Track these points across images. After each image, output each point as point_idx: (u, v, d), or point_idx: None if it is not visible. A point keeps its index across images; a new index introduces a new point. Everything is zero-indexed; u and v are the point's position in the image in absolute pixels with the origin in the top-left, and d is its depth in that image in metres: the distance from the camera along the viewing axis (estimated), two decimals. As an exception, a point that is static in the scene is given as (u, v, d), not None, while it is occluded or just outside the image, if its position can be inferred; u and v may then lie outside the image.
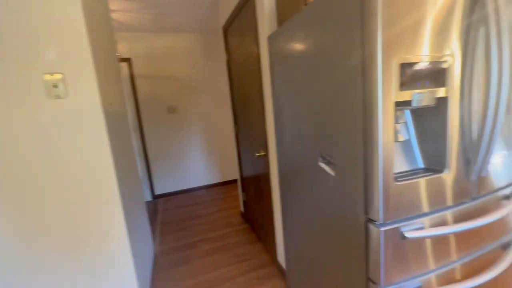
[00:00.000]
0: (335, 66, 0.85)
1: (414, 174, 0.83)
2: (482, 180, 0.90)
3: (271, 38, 1.32)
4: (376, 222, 0.77)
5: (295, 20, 1.06)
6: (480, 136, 0.80)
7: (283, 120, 1.32)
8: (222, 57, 3.64)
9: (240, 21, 1.84)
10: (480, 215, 0.92)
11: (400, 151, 0.87)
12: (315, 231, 1.15)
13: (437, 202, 0.82)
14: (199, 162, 3.80)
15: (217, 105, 3.81)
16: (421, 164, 0.87)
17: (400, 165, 0.87)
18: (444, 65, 0.76)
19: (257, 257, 2.01)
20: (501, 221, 1.00)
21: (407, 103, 0.75)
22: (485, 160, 0.84)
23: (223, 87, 3.80)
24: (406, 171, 0.85)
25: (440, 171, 0.82)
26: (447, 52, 0.76)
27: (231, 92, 2.41)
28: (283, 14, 1.39)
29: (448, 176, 0.82)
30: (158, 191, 3.66)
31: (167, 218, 2.95)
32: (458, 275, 0.93)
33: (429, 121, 0.85)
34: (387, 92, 0.71)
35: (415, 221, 0.80)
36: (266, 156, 1.67)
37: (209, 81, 3.72)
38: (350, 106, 0.81)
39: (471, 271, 0.95)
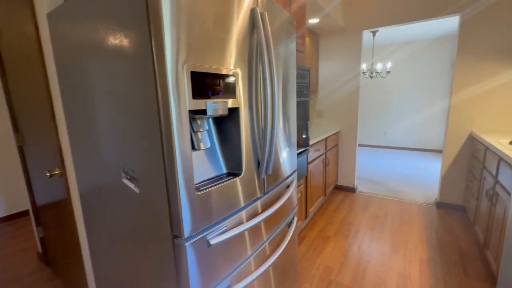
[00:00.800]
0: (127, 65, 0.72)
1: (218, 180, 0.86)
2: (270, 176, 1.11)
3: (53, 17, 0.98)
4: (181, 238, 0.72)
5: None
6: (264, 141, 0.96)
7: (79, 128, 1.02)
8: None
9: (9, -15, 1.28)
10: (272, 204, 1.12)
11: (205, 159, 0.88)
12: (127, 260, 0.96)
13: (237, 203, 0.90)
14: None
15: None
16: (224, 169, 0.93)
17: (207, 173, 0.88)
18: (233, 79, 0.83)
19: (62, 312, 1.49)
20: (286, 205, 1.29)
21: (203, 112, 0.75)
22: (270, 160, 1.03)
23: None
24: (212, 178, 0.88)
25: (238, 174, 0.91)
26: (234, 68, 0.84)
27: (6, 87, 1.66)
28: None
29: (244, 178, 0.92)
30: None
31: None
32: (268, 252, 1.12)
33: (228, 129, 0.92)
34: (179, 99, 0.67)
35: (219, 225, 0.83)
36: (63, 175, 1.26)
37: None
38: (145, 113, 0.71)
39: (274, 247, 1.16)
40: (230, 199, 0.86)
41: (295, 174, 1.42)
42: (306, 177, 2.19)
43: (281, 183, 1.23)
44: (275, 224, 1.18)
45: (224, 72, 0.80)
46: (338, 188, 3.26)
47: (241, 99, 0.87)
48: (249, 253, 0.99)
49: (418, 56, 4.95)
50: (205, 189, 0.77)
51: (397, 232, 2.20)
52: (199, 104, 0.73)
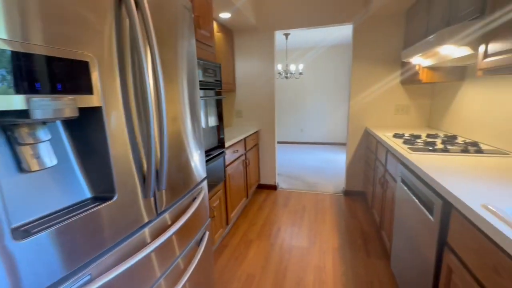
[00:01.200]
0: None
1: (75, 210, 0.61)
2: (166, 192, 0.90)
3: None
4: (-12, 320, 0.45)
5: None
6: (149, 150, 0.75)
7: None
8: None
9: None
10: (174, 223, 0.92)
11: (51, 183, 0.61)
12: None
13: (109, 238, 0.66)
14: None
15: None
16: (89, 193, 0.68)
17: (54, 203, 0.60)
18: (87, 68, 0.59)
19: None
20: (192, 221, 1.10)
21: (24, 114, 0.49)
22: (161, 173, 0.82)
23: None
24: (64, 209, 0.61)
25: (110, 198, 0.67)
26: (90, 52, 0.60)
27: None
28: None
29: (120, 202, 0.69)
30: None
31: None
32: (181, 266, 0.98)
33: (90, 137, 0.66)
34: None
35: (78, 275, 0.58)
36: None
37: None
38: None
39: (182, 271, 0.97)
40: (95, 235, 0.62)
41: (204, 183, 1.25)
42: (225, 181, 2.06)
43: (184, 196, 1.04)
44: (181, 244, 0.98)
45: (67, 55, 0.55)
46: (261, 187, 3.28)
47: (115, 95, 0.64)
48: (157, 275, 0.77)
49: (325, 60, 5.55)
50: (39, 231, 0.51)
51: (313, 225, 2.32)
52: (15, 102, 0.47)
